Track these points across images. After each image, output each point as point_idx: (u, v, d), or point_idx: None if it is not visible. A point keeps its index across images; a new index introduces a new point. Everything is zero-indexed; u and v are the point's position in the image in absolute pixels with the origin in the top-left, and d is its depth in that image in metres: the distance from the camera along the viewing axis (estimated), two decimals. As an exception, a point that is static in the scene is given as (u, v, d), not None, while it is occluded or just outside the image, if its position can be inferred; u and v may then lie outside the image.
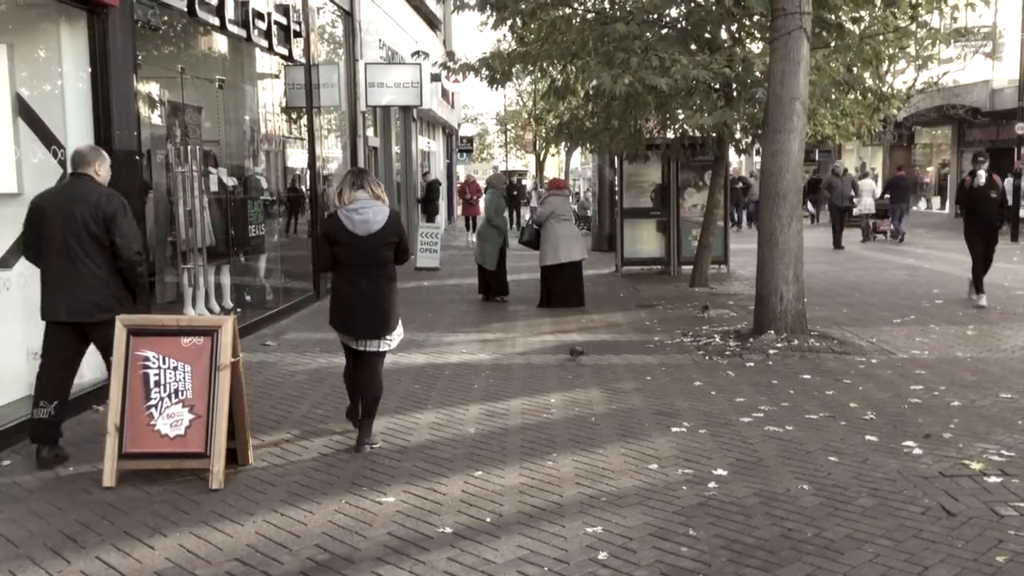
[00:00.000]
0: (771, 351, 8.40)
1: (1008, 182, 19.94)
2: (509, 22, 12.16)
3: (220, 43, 10.43)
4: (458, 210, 25.02)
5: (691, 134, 13.96)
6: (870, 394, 6.92)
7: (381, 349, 5.82)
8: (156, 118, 8.86)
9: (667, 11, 12.22)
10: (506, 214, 13.52)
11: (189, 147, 9.06)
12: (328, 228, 5.76)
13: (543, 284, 12.19)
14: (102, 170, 5.68)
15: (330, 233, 5.70)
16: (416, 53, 14.92)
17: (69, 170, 5.76)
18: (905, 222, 21.97)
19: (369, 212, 5.64)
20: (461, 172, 37.10)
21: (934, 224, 27.40)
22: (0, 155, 6.49)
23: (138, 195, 7.48)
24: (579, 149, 24.04)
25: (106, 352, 5.48)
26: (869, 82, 14.31)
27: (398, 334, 5.91)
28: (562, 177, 44.55)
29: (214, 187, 9.60)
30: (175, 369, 5.17)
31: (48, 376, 5.55)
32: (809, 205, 27.91)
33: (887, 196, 22.06)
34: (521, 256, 13.51)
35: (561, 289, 11.92)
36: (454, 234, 24.61)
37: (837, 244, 19.91)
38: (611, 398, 6.91)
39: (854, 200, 21.02)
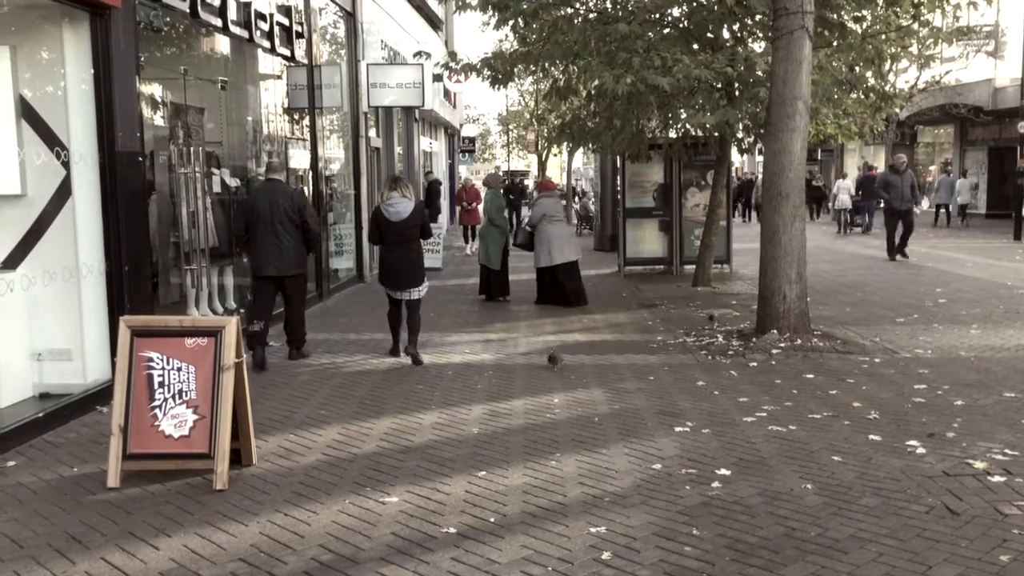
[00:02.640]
0: (774, 351, 8.40)
1: None
2: (511, 22, 12.13)
3: (222, 44, 10.44)
4: (457, 211, 24.54)
5: (693, 134, 13.95)
6: (873, 393, 6.91)
7: (414, 297, 8.54)
8: (159, 119, 8.87)
9: (669, 11, 12.21)
10: (506, 214, 13.49)
11: (192, 148, 9.07)
12: (375, 215, 8.61)
13: (539, 282, 12.27)
14: (285, 176, 8.78)
15: (376, 219, 8.54)
16: (418, 53, 14.88)
17: (264, 176, 8.72)
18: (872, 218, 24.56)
19: (400, 205, 8.38)
20: (463, 172, 37.07)
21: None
22: (3, 156, 6.50)
23: (141, 196, 7.49)
24: (581, 149, 24.04)
25: (289, 298, 8.45)
26: (871, 81, 14.29)
27: (425, 286, 8.64)
28: (560, 178, 44.55)
29: (217, 188, 9.61)
30: (179, 370, 5.18)
31: (259, 306, 8.40)
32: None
33: (859, 193, 24.68)
34: (521, 256, 13.51)
35: (558, 289, 11.98)
36: (456, 234, 24.57)
37: (891, 252, 17.11)
38: (614, 398, 6.91)
39: (915, 203, 17.72)
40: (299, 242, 8.29)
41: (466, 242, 21.28)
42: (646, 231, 15.86)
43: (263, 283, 8.35)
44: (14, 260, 6.69)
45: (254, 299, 8.57)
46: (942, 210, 27.07)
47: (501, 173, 48.67)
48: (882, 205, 19.66)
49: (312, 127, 12.65)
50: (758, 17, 11.77)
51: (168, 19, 8.78)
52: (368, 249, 15.31)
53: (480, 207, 18.07)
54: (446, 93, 26.89)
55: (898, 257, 16.97)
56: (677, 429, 6.04)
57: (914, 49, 17.21)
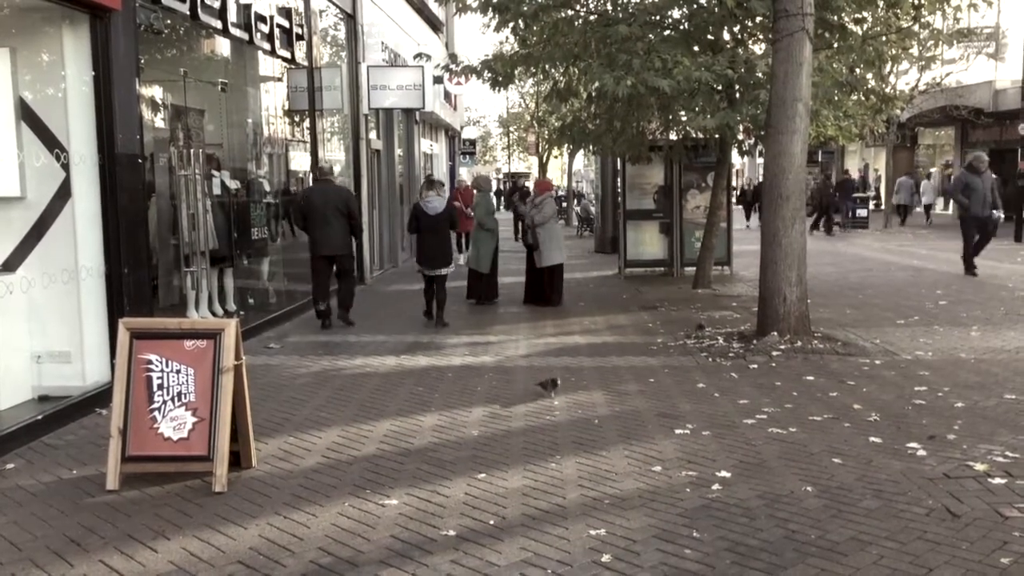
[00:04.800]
0: (774, 353, 8.39)
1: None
2: (511, 24, 12.14)
3: (223, 46, 10.44)
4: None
5: (694, 136, 13.94)
6: (874, 395, 6.90)
7: (443, 273, 10.70)
8: (159, 121, 8.86)
9: (669, 12, 12.21)
10: (497, 216, 13.43)
11: (192, 150, 9.06)
12: (414, 209, 10.92)
13: (533, 282, 12.26)
14: (333, 175, 11.22)
15: (415, 212, 10.83)
16: (418, 55, 14.86)
17: (315, 177, 11.27)
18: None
19: (435, 202, 10.75)
20: (463, 173, 37.07)
21: (937, 224, 27.40)
22: (3, 159, 6.50)
23: (141, 198, 7.49)
24: (582, 151, 24.08)
25: (341, 272, 10.57)
26: (872, 83, 14.29)
27: (452, 266, 10.90)
28: (560, 180, 44.58)
29: (217, 190, 9.61)
30: (178, 372, 5.17)
31: (319, 286, 10.50)
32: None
33: (836, 195, 27.19)
34: (507, 259, 13.48)
35: (558, 287, 12.02)
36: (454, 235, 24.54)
37: (969, 266, 14.49)
38: (614, 400, 6.91)
39: (997, 210, 14.72)
40: (346, 229, 10.36)
41: (460, 251, 18.35)
42: (646, 233, 15.85)
43: (320, 262, 10.39)
44: (13, 262, 6.69)
45: (314, 280, 10.58)
46: (903, 210, 28.75)
47: (501, 175, 48.30)
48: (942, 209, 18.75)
49: (312, 129, 12.64)
50: (758, 19, 11.77)
51: (168, 21, 8.79)
52: (368, 252, 15.31)
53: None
54: (446, 95, 26.87)
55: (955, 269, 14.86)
56: (677, 431, 6.03)
57: (915, 51, 17.22)
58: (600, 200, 21.59)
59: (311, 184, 11.24)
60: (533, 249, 12.38)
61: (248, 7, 9.94)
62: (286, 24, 11.27)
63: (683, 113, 13.03)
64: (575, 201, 33.35)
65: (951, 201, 29.65)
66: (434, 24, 25.40)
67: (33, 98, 6.72)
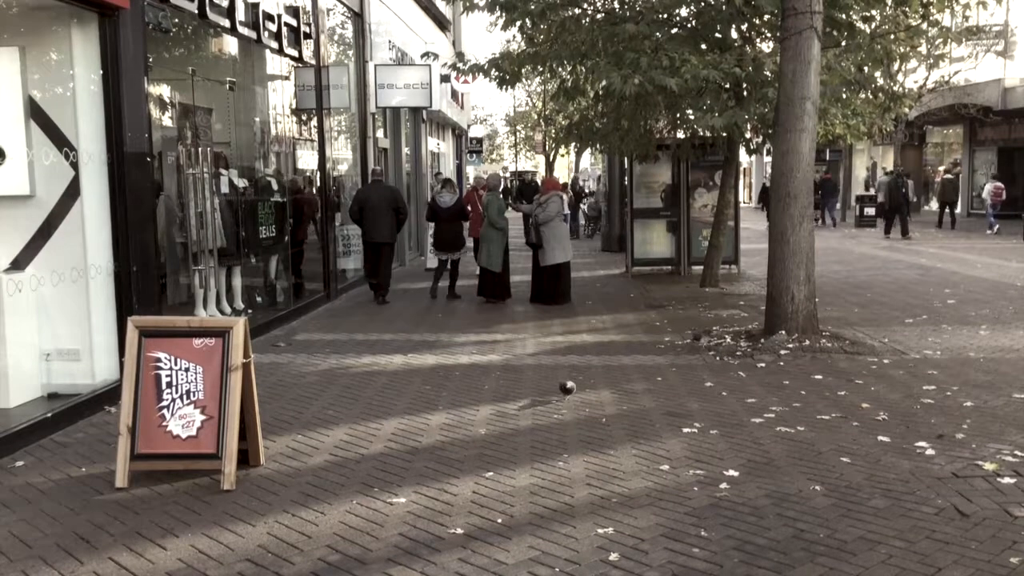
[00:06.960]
0: (782, 351, 8.37)
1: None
2: (518, 23, 12.12)
3: (231, 45, 10.46)
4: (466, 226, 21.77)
5: (701, 134, 13.93)
6: (882, 394, 6.89)
7: (456, 257, 12.96)
8: (167, 120, 8.89)
9: (677, 11, 12.19)
10: (507, 214, 13.45)
11: (200, 149, 9.09)
12: (431, 203, 13.34)
13: (538, 280, 12.27)
14: (384, 177, 14.22)
15: (432, 206, 13.17)
16: (426, 54, 14.85)
17: (370, 179, 13.39)
18: (836, 213, 29.22)
19: (447, 197, 13.00)
20: (471, 172, 37.06)
21: (929, 223, 27.32)
22: (12, 157, 6.53)
23: (149, 197, 7.51)
24: (589, 150, 24.05)
25: (382, 258, 12.51)
26: (880, 81, 14.25)
27: (463, 251, 13.12)
28: (568, 178, 44.62)
29: (225, 189, 9.63)
30: (187, 370, 5.19)
31: (371, 265, 12.71)
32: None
33: (819, 193, 27.24)
34: (514, 257, 13.49)
35: (553, 286, 12.02)
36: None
37: None
38: (622, 399, 6.90)
39: None
40: (393, 220, 12.40)
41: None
42: (654, 232, 15.84)
43: (370, 247, 12.56)
44: (23, 260, 6.72)
45: (366, 261, 13.04)
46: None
47: (509, 174, 48.29)
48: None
49: (320, 128, 12.66)
50: (766, 17, 11.74)
51: (176, 20, 8.80)
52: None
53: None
54: (453, 94, 26.87)
55: None
56: (685, 430, 6.02)
57: (923, 49, 17.14)
58: (607, 198, 21.54)
59: (368, 183, 13.40)
60: (536, 248, 12.39)
61: (256, 6, 9.95)
62: (294, 23, 11.28)
63: (691, 112, 13.00)
64: (584, 199, 33.25)
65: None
66: (441, 23, 25.40)
67: (42, 97, 6.74)
